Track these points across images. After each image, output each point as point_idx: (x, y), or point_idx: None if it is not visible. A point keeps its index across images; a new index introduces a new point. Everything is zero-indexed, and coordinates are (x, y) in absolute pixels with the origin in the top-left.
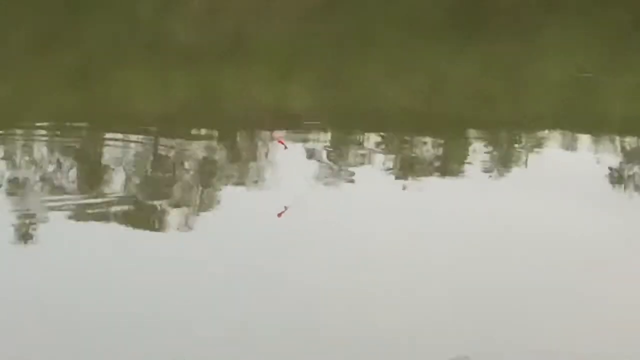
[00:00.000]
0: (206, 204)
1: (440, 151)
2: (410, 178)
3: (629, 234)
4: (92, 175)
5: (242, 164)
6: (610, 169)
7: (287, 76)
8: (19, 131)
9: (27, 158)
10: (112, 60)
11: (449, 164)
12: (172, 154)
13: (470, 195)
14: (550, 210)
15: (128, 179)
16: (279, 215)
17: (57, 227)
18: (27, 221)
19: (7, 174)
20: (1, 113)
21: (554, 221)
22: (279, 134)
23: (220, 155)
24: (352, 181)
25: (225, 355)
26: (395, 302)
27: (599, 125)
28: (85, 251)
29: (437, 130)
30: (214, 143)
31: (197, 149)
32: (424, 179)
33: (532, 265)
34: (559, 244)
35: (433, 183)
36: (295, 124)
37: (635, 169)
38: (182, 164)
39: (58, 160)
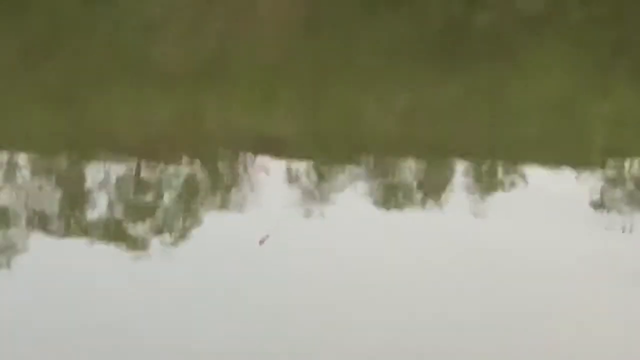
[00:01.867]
0: (188, 229)
1: (422, 176)
2: (391, 203)
3: (612, 259)
4: (74, 199)
5: (223, 189)
6: (593, 194)
7: (269, 100)
8: None
9: (7, 182)
10: (93, 84)
11: (431, 189)
12: (154, 178)
13: (453, 221)
14: (533, 236)
15: (110, 204)
16: (261, 243)
17: (38, 251)
18: (8, 246)
19: None
20: None
21: (536, 246)
22: (260, 164)
23: (202, 179)
24: (333, 206)
25: None
26: (379, 328)
27: (581, 150)
28: (66, 275)
29: (419, 155)
30: (196, 167)
31: (179, 173)
32: (405, 204)
33: (515, 291)
34: (542, 270)
35: (414, 208)
36: (277, 147)
37: (618, 193)
38: (164, 188)
39: (39, 184)
